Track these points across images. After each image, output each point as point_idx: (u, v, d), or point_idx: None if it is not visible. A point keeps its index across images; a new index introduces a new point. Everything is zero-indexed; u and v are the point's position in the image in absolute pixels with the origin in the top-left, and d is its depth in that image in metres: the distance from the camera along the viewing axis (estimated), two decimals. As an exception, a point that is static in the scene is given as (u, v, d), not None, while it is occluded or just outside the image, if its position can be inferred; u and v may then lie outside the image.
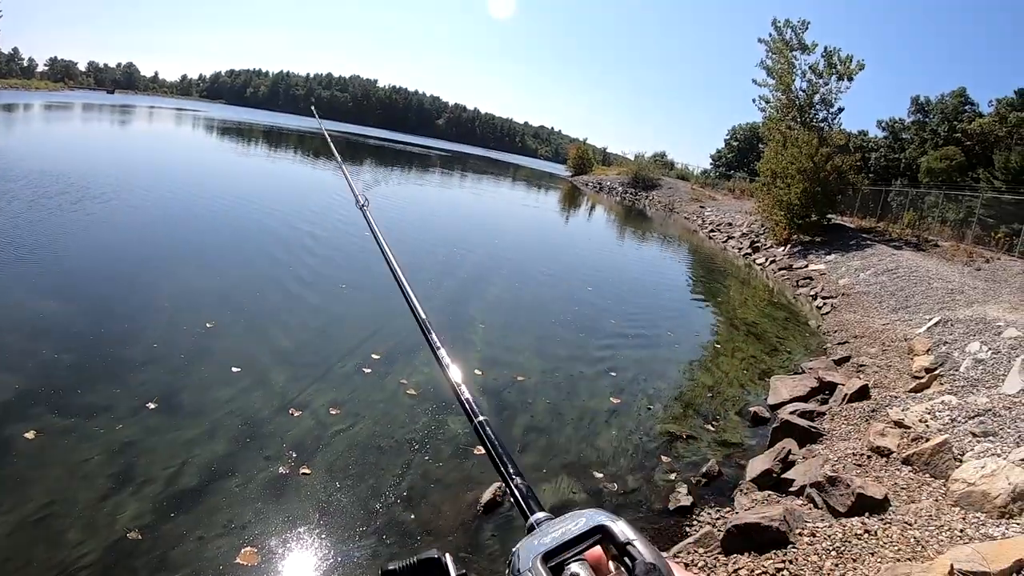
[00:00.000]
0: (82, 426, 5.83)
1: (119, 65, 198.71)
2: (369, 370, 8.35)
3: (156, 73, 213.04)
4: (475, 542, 5.36)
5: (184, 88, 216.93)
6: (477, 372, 8.93)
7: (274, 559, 4.68)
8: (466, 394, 1.39)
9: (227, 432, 6.23)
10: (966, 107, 43.78)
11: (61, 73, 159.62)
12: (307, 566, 4.71)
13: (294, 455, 6.03)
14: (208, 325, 8.79)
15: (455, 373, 1.43)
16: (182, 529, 4.76)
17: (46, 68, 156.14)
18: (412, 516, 5.49)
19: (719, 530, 5.59)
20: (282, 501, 5.35)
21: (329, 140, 4.22)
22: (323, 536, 5.01)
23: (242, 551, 4.65)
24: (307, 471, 5.81)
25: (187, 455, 5.71)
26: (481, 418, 1.33)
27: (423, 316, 1.64)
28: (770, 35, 31.49)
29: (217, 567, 4.49)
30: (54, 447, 5.46)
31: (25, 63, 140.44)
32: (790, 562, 4.78)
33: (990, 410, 7.51)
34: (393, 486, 5.87)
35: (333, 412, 7.03)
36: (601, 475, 6.81)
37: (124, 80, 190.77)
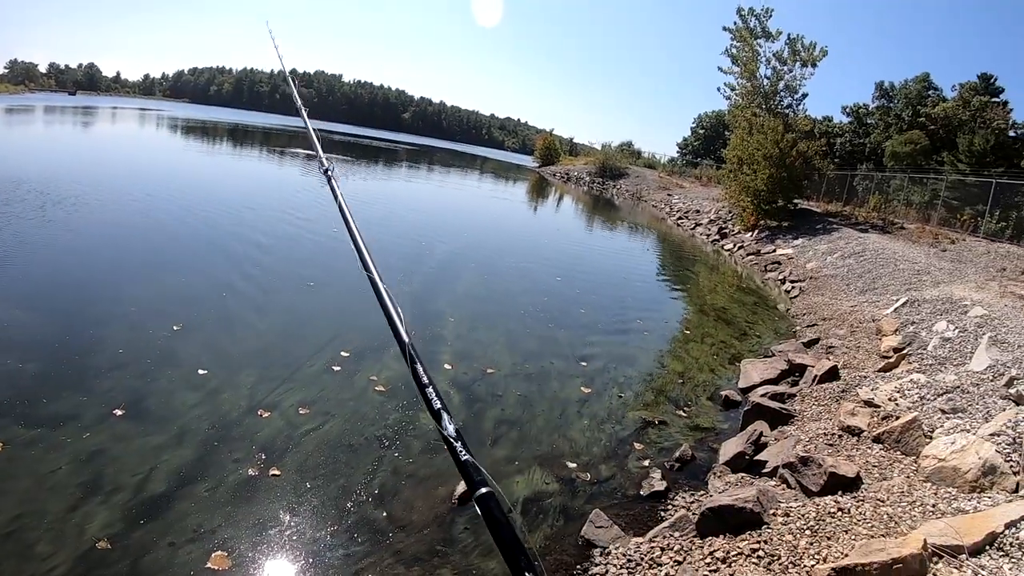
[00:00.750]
0: (49, 436, 5.71)
1: (80, 66, 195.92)
2: (338, 368, 8.26)
3: (118, 73, 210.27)
4: (448, 536, 5.31)
5: (147, 87, 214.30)
6: (447, 367, 8.85)
7: (245, 562, 4.61)
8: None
9: (195, 436, 6.12)
10: (930, 92, 44.16)
11: (21, 75, 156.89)
12: (278, 568, 4.65)
13: (263, 457, 5.94)
14: (175, 328, 8.63)
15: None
16: (152, 536, 4.68)
17: (6, 71, 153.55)
18: (384, 514, 5.43)
19: (694, 513, 5.58)
20: (252, 504, 5.27)
21: (295, 91, 4.09)
22: (294, 537, 4.95)
23: (213, 556, 4.58)
24: (277, 472, 5.73)
25: (155, 461, 5.61)
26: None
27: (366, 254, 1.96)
28: (735, 23, 31.68)
29: (188, 572, 4.42)
30: (21, 459, 5.34)
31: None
32: (765, 542, 4.78)
33: (958, 387, 7.57)
34: (364, 484, 5.81)
35: (302, 412, 6.94)
36: (574, 465, 6.78)
37: (86, 81, 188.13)
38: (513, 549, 1.27)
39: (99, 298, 9.70)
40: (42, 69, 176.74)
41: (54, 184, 18.21)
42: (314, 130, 1.91)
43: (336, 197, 2.14)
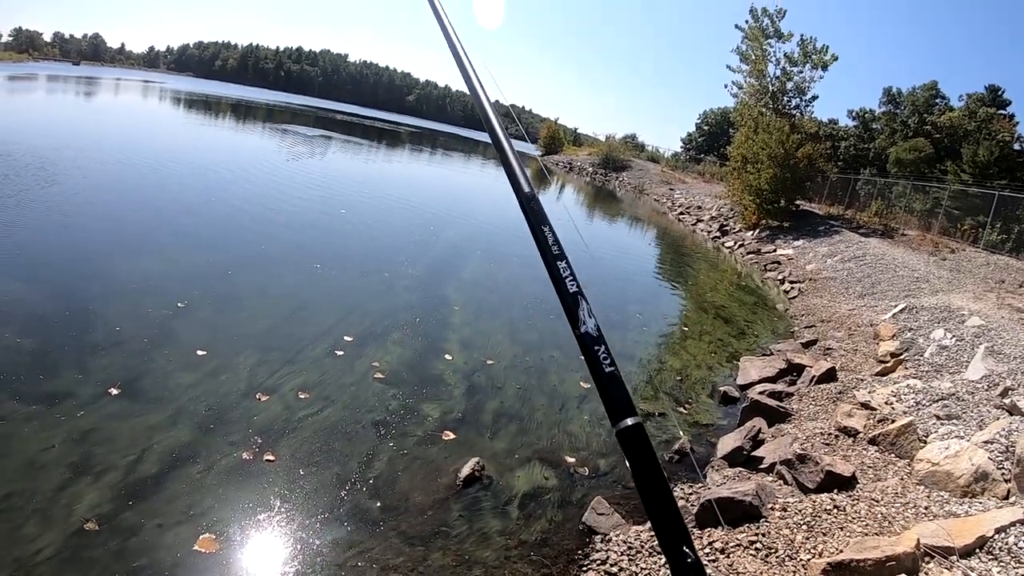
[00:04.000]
0: (43, 413, 5.71)
1: (85, 36, 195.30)
2: (341, 352, 8.26)
3: (123, 44, 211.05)
4: (443, 525, 5.36)
5: (151, 60, 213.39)
6: (447, 356, 8.87)
7: (232, 546, 4.64)
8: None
9: (191, 418, 6.12)
10: (937, 100, 44.14)
11: (26, 44, 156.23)
12: (265, 553, 4.69)
13: (259, 441, 5.95)
14: (180, 305, 8.66)
15: None
16: (140, 517, 4.70)
17: (10, 39, 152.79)
18: (378, 504, 5.45)
19: (692, 505, 5.72)
20: (244, 488, 5.29)
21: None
22: (283, 523, 4.97)
23: (200, 538, 4.61)
24: (271, 457, 5.74)
25: (148, 442, 5.61)
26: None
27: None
28: (747, 22, 31.66)
29: (175, 554, 4.44)
30: (14, 436, 5.35)
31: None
32: (763, 535, 4.91)
33: (954, 394, 7.71)
34: (359, 472, 5.83)
35: (302, 396, 6.94)
36: (572, 459, 6.82)
37: (90, 51, 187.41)
38: (661, 499, 1.14)
39: (101, 272, 9.70)
40: (47, 38, 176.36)
41: (58, 154, 18.25)
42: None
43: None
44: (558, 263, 1.30)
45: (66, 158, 17.61)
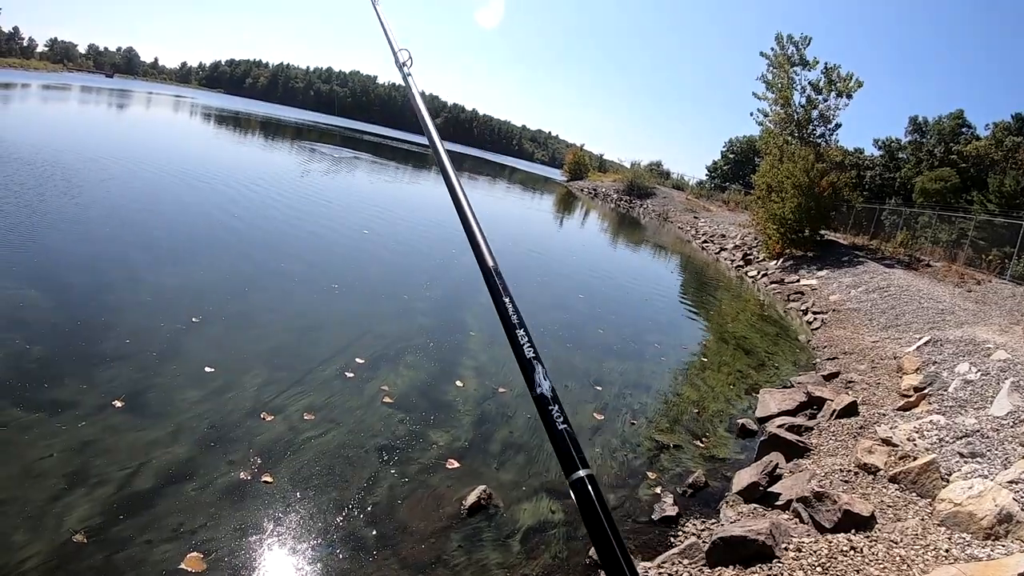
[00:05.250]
0: (44, 422, 5.68)
1: (119, 49, 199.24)
2: (351, 374, 8.18)
3: (156, 59, 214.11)
4: (439, 556, 5.24)
5: (183, 75, 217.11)
6: (458, 383, 8.75)
7: (219, 566, 4.56)
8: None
9: (192, 435, 6.06)
10: (963, 129, 43.96)
11: (61, 55, 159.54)
12: (252, 574, 4.60)
13: (259, 461, 5.87)
14: (194, 320, 8.63)
15: None
16: (130, 532, 4.65)
17: (46, 49, 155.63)
18: (374, 531, 5.32)
19: (704, 542, 5.57)
20: (237, 508, 5.20)
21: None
22: (274, 546, 4.88)
23: (188, 556, 4.53)
24: (269, 479, 5.65)
25: (147, 456, 5.55)
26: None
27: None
28: (772, 49, 31.60)
29: (160, 572, 4.38)
30: (13, 443, 5.32)
31: (25, 43, 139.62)
32: (775, 577, 4.77)
33: (978, 431, 7.51)
34: (357, 499, 5.71)
35: (307, 417, 6.86)
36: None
37: (123, 64, 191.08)
38: (611, 548, 1.13)
39: (118, 283, 9.70)
40: (81, 50, 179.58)
41: (87, 163, 18.52)
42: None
43: (414, 101, 1.97)
44: (517, 331, 1.39)
45: (94, 168, 17.76)
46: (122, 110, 52.90)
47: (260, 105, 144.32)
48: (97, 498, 4.92)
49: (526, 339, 1.38)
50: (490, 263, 1.54)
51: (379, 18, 2.55)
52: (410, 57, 2.26)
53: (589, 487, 1.20)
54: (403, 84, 2.19)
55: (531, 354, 1.36)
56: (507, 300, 1.46)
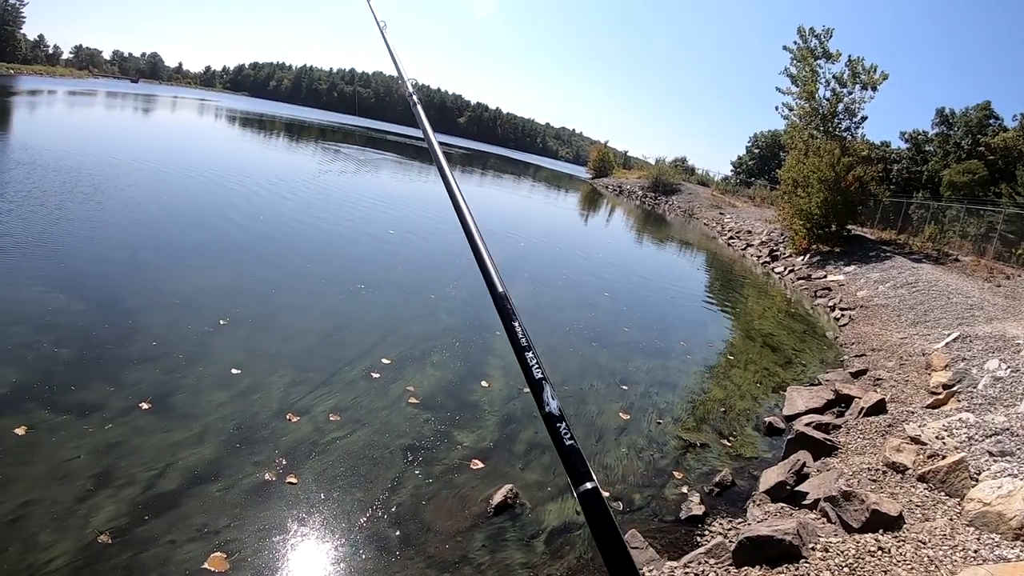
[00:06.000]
0: (72, 424, 5.79)
1: (143, 55, 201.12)
2: (377, 375, 8.24)
3: (180, 64, 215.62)
4: (463, 556, 5.27)
5: (207, 79, 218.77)
6: (484, 384, 8.76)
7: (242, 566, 4.61)
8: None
9: (218, 436, 6.14)
10: (990, 121, 43.40)
11: (86, 61, 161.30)
12: (274, 574, 4.65)
13: (284, 462, 5.93)
14: (222, 322, 8.76)
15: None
16: (154, 533, 4.71)
17: (71, 56, 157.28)
18: (397, 532, 5.35)
19: (731, 541, 5.57)
20: (262, 509, 5.26)
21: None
22: (297, 547, 4.93)
23: (211, 556, 4.59)
24: (293, 480, 5.71)
25: (172, 458, 5.64)
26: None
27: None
28: (795, 43, 31.34)
29: (183, 571, 4.44)
30: (42, 444, 5.42)
31: (51, 50, 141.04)
32: (802, 577, 4.77)
33: (1008, 429, 7.43)
34: (381, 500, 5.75)
35: (332, 418, 6.92)
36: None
37: (148, 70, 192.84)
38: (617, 554, 1.22)
39: (148, 286, 9.85)
40: (106, 56, 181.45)
41: (115, 168, 18.81)
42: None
43: (424, 130, 2.12)
44: (526, 353, 1.44)
45: (121, 172, 17.92)
46: (148, 114, 53.42)
47: (284, 107, 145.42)
48: (123, 499, 5.01)
49: (534, 361, 1.43)
50: (500, 289, 1.62)
51: (388, 48, 2.62)
52: (416, 85, 2.36)
53: (596, 499, 1.28)
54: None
55: (539, 375, 1.41)
56: (516, 324, 1.52)
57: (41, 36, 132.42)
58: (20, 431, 5.53)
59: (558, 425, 1.37)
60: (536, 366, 1.43)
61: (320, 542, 5.06)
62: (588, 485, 1.30)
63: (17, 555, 4.28)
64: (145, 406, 6.34)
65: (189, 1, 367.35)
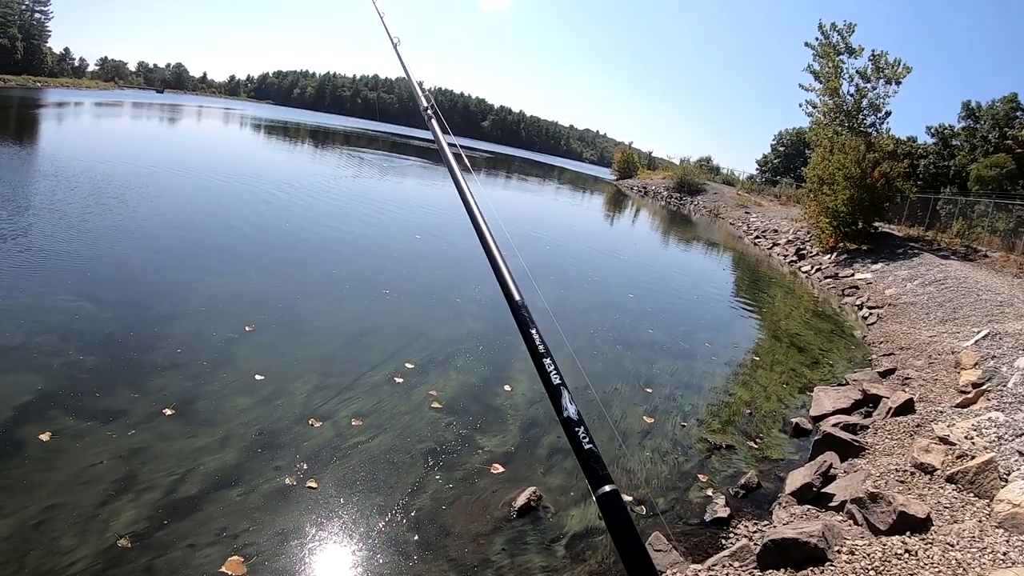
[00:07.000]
0: (96, 430, 5.86)
1: (168, 65, 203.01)
2: (401, 380, 8.26)
3: (204, 73, 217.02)
4: (483, 561, 5.26)
5: (232, 88, 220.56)
6: (507, 388, 8.74)
7: (259, 569, 4.64)
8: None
9: (240, 441, 6.19)
10: (1017, 113, 42.78)
11: (112, 73, 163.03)
12: None
13: (305, 467, 5.96)
14: (248, 329, 8.83)
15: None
16: (173, 537, 4.76)
17: (97, 68, 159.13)
18: (416, 536, 5.36)
19: (756, 544, 5.54)
20: (281, 513, 5.29)
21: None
22: (315, 551, 4.95)
23: (229, 560, 4.63)
24: (314, 484, 5.73)
25: (193, 463, 5.69)
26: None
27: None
28: (817, 39, 31.20)
29: (201, 575, 4.49)
30: (65, 450, 5.50)
31: (76, 63, 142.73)
32: (827, 581, 4.73)
33: (1038, 429, 7.35)
34: (401, 505, 5.74)
35: (355, 423, 6.95)
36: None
37: (173, 80, 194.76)
38: (636, 556, 1.25)
39: (173, 293, 9.96)
40: (131, 67, 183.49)
41: (143, 176, 19.04)
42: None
43: (439, 145, 2.45)
44: (544, 360, 1.56)
45: (145, 180, 18.08)
46: (173, 123, 54.07)
47: (308, 114, 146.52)
48: (143, 503, 5.07)
49: (552, 367, 1.53)
50: (517, 299, 1.78)
51: (402, 64, 2.66)
52: (431, 99, 2.44)
53: (615, 501, 1.32)
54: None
55: (557, 380, 1.49)
56: (534, 331, 1.65)
57: (67, 49, 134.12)
58: (45, 437, 5.62)
59: (576, 429, 1.44)
60: (554, 372, 1.52)
61: (338, 546, 5.09)
62: (607, 488, 1.35)
63: (39, 558, 4.35)
64: (169, 412, 6.42)
65: (214, 12, 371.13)
